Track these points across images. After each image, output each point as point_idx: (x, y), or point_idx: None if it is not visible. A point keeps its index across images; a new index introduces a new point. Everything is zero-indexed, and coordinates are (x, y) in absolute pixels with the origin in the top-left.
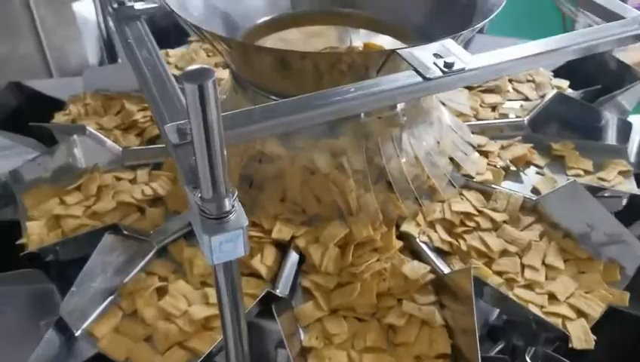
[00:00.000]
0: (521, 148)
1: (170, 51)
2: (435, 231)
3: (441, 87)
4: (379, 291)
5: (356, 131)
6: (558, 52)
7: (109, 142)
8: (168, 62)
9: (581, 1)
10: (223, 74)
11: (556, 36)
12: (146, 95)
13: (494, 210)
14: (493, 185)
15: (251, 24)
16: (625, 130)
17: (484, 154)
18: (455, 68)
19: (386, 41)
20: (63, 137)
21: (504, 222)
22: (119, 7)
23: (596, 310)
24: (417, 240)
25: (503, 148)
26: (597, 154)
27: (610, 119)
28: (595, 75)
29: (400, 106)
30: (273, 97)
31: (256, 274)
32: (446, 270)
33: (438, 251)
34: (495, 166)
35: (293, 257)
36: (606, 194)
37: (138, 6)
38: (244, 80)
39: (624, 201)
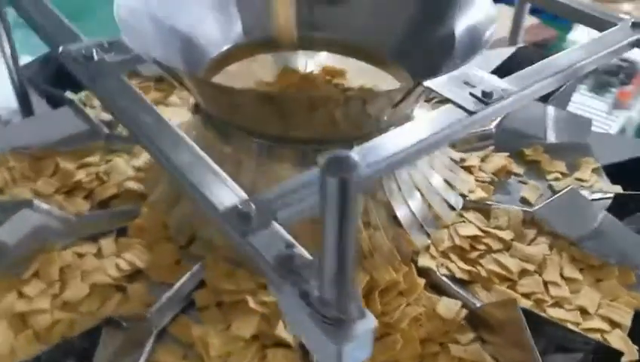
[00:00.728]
0: (500, 159)
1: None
2: (452, 261)
3: (484, 120)
4: (419, 338)
5: None
6: (578, 67)
7: (56, 211)
8: (92, 106)
9: (570, 12)
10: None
11: (569, 52)
12: (171, 175)
13: (498, 228)
14: (488, 202)
15: (215, 52)
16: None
17: (467, 169)
18: (495, 97)
19: (348, 64)
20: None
21: (512, 240)
22: (89, 63)
23: (626, 318)
24: (437, 274)
25: (482, 161)
26: (566, 155)
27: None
28: None
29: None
30: (257, 140)
31: (282, 344)
32: (474, 301)
33: (459, 281)
34: (483, 181)
35: None
36: (595, 196)
37: (111, 59)
38: (218, 118)
39: (609, 201)
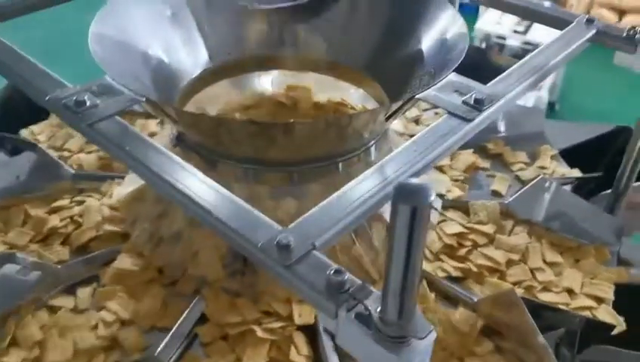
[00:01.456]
0: (467, 156)
1: (35, 128)
2: (444, 261)
3: (480, 126)
4: (437, 350)
5: (334, 181)
6: (549, 67)
7: (40, 262)
8: (36, 140)
9: (529, 13)
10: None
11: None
12: (194, 215)
13: (480, 223)
14: (465, 199)
15: (185, 79)
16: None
17: (440, 169)
18: (486, 103)
19: (314, 79)
20: None
21: (494, 232)
22: (83, 111)
23: (608, 292)
24: (436, 277)
25: (451, 160)
26: (525, 145)
27: None
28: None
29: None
30: (243, 165)
31: None
32: (471, 296)
33: (454, 279)
34: (456, 180)
35: (326, 340)
36: (560, 182)
37: (104, 102)
38: (202, 146)
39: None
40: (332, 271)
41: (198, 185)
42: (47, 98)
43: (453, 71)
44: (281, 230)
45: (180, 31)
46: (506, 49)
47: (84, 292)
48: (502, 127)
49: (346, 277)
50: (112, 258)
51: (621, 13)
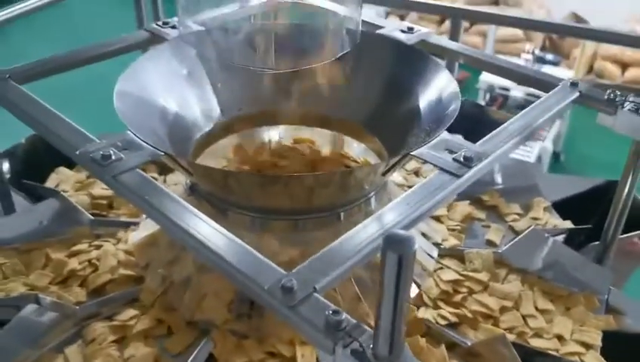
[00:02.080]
0: (463, 208)
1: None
2: (441, 308)
3: (469, 182)
4: None
5: (337, 229)
6: (535, 127)
7: (60, 302)
8: (64, 190)
9: (516, 77)
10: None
11: (525, 114)
12: (206, 260)
13: (475, 270)
14: (460, 248)
15: (198, 133)
16: (528, 168)
17: (437, 219)
18: (475, 160)
19: (318, 133)
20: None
21: (489, 280)
22: (108, 164)
23: (596, 339)
24: (435, 323)
25: (448, 210)
26: (519, 197)
27: None
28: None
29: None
30: (251, 214)
31: None
32: (465, 341)
33: (450, 325)
34: (453, 229)
35: None
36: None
37: (127, 156)
38: (214, 196)
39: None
40: (331, 312)
41: (210, 232)
42: (77, 152)
43: (448, 129)
44: (286, 274)
45: (195, 88)
46: (509, 100)
47: (73, 352)
48: (498, 179)
49: (343, 316)
50: (126, 299)
51: (624, 66)
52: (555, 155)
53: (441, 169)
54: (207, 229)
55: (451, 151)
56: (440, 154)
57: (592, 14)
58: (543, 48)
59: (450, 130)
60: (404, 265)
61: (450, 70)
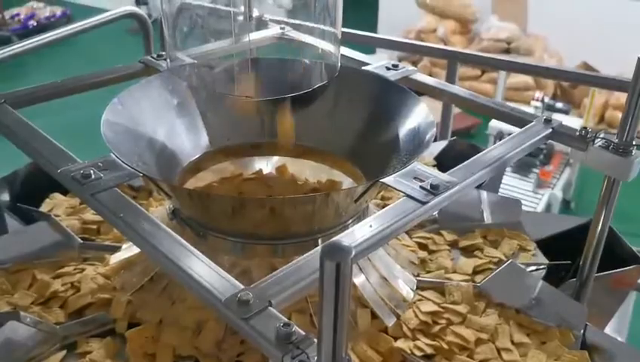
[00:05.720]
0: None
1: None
2: (418, 339)
3: (434, 209)
4: None
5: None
6: (506, 159)
7: (41, 322)
8: (57, 215)
9: (494, 113)
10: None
11: (498, 146)
12: (171, 273)
13: (454, 303)
14: (441, 280)
15: (186, 161)
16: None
17: (424, 248)
18: (441, 189)
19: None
20: None
21: (467, 312)
22: (88, 183)
23: None
24: (412, 354)
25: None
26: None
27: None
28: None
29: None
30: (231, 238)
31: None
32: None
33: (427, 357)
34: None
35: None
36: (532, 268)
37: (106, 176)
38: (190, 219)
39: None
40: (281, 324)
41: (174, 245)
42: (58, 171)
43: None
44: (244, 288)
45: (185, 118)
46: None
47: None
48: (481, 215)
49: (293, 329)
50: (104, 322)
51: None
52: (565, 203)
53: (407, 195)
54: (171, 243)
55: (420, 180)
56: (408, 182)
57: (604, 64)
58: (554, 96)
59: (445, 169)
60: (342, 272)
61: (447, 110)
